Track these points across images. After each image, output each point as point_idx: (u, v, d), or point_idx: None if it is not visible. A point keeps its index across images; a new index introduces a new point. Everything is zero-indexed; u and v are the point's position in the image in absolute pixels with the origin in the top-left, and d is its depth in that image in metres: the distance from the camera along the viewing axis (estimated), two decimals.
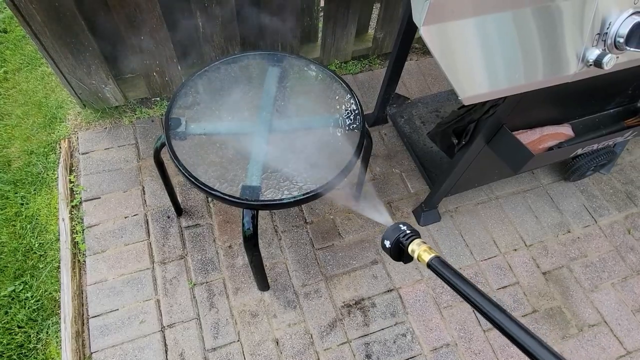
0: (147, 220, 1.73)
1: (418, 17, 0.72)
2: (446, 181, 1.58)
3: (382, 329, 1.56)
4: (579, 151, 1.34)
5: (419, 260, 0.70)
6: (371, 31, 2.32)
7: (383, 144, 2.04)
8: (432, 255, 0.68)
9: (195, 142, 1.27)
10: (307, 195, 1.15)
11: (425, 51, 2.43)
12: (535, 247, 1.80)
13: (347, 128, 1.30)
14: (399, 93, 2.11)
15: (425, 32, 0.73)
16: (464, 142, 1.37)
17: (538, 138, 1.34)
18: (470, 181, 1.71)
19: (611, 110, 1.52)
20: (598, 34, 0.88)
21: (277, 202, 1.14)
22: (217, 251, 1.68)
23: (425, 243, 0.71)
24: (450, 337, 1.56)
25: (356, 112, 1.32)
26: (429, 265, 0.67)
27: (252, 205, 1.15)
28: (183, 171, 1.16)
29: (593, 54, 0.88)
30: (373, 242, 1.75)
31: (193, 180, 1.15)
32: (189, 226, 1.73)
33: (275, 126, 1.30)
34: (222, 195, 1.14)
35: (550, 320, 1.63)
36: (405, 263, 0.77)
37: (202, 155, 1.25)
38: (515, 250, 1.79)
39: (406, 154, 2.01)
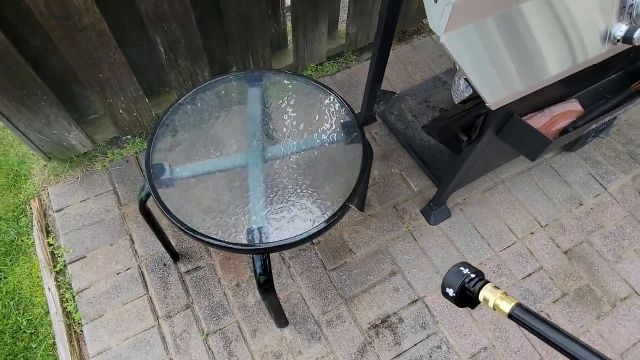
0: (142, 272, 1.58)
1: (437, 24, 0.61)
2: (455, 178, 1.49)
3: (415, 345, 1.47)
4: (593, 126, 1.26)
5: (494, 309, 0.59)
6: (342, 27, 2.19)
7: (376, 144, 1.93)
8: (513, 304, 0.58)
9: (184, 186, 1.13)
10: (321, 228, 1.03)
11: (401, 38, 2.32)
12: (551, 226, 1.74)
13: (345, 142, 1.19)
14: (383, 89, 2.00)
15: (448, 40, 0.61)
16: (473, 138, 1.27)
17: (549, 120, 1.25)
18: (477, 172, 1.63)
19: (613, 76, 1.45)
20: (623, 7, 0.78)
21: (289, 241, 1.02)
22: (224, 292, 1.55)
23: (497, 288, 0.61)
24: (486, 339, 1.48)
25: (350, 122, 1.20)
26: (510, 316, 0.57)
27: (262, 250, 1.03)
28: (178, 225, 1.03)
29: (620, 29, 0.79)
30: (387, 252, 1.65)
31: (192, 233, 1.02)
32: (188, 271, 1.59)
33: (269, 154, 1.18)
34: (227, 245, 1.02)
35: (582, 301, 1.57)
36: (472, 308, 0.67)
37: (195, 201, 1.11)
38: (532, 233, 1.72)
39: (402, 152, 1.91)
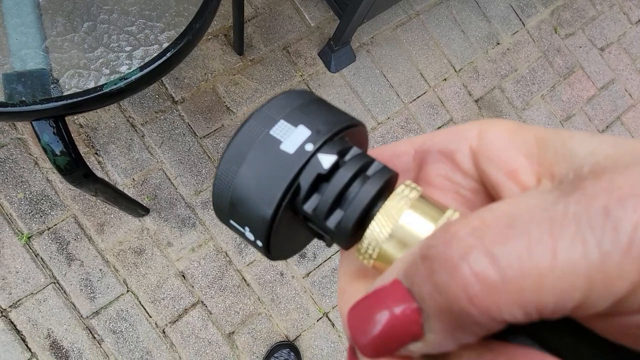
0: None
1: None
2: (363, 3, 1.08)
3: None
4: None
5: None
6: None
7: None
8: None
9: None
10: (148, 70, 0.60)
11: None
12: (465, 70, 1.50)
13: None
14: None
15: None
16: None
17: None
18: None
19: None
20: None
21: (92, 94, 0.58)
22: (47, 178, 1.08)
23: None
24: None
25: None
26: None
27: (40, 112, 0.57)
28: None
29: None
30: None
31: None
32: None
33: None
34: None
35: None
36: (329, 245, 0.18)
37: None
38: (445, 80, 1.47)
39: None
